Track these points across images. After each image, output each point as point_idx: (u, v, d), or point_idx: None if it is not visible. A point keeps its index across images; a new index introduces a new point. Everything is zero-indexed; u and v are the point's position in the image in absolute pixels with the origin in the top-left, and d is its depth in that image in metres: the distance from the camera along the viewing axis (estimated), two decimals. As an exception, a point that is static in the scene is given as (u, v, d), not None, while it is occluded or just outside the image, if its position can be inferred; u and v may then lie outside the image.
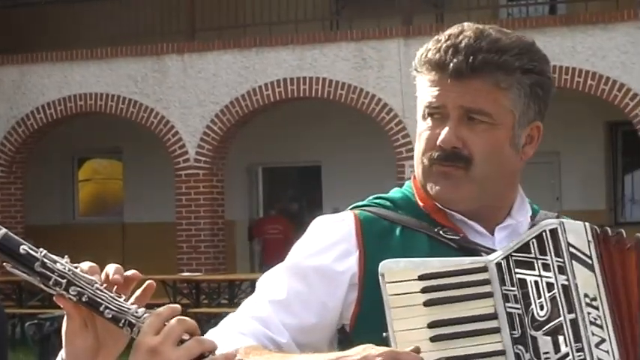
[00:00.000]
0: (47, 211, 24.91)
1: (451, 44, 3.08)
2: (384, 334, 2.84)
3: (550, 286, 2.92)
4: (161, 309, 2.28)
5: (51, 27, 23.77)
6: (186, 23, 22.98)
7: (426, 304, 2.88)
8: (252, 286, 20.72)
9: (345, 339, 3.04)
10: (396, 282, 2.88)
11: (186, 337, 2.26)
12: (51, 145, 24.49)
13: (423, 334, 2.85)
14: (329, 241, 3.07)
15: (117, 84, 23.02)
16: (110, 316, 2.26)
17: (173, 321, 2.25)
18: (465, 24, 3.16)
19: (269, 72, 21.90)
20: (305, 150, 23.62)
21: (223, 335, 2.87)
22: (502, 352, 2.88)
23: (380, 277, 2.89)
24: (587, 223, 2.99)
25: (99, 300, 2.27)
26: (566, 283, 2.92)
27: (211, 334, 2.84)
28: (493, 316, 2.91)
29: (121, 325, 2.25)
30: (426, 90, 3.11)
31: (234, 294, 21.49)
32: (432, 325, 2.87)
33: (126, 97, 22.99)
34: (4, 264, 2.27)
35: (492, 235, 3.13)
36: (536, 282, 2.93)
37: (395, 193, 3.23)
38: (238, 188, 24.00)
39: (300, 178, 25.00)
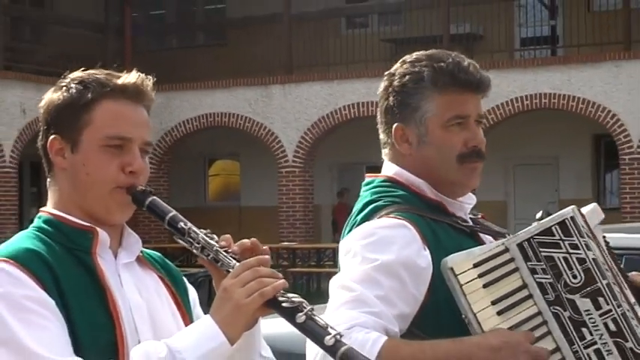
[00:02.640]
0: (186, 197, 25.00)
1: (472, 65, 2.87)
2: (463, 316, 2.65)
3: (582, 261, 2.73)
4: (249, 260, 2.29)
5: (188, 64, 23.84)
6: (286, 62, 22.96)
7: (485, 286, 2.69)
8: (333, 253, 20.99)
9: None
10: (463, 272, 2.67)
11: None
12: (188, 150, 24.62)
13: (491, 310, 2.68)
14: (404, 240, 2.72)
15: (236, 106, 23.07)
16: (224, 270, 2.30)
17: (248, 270, 2.25)
18: (435, 50, 2.94)
19: (346, 97, 21.88)
20: (372, 154, 23.49)
21: (357, 333, 2.56)
22: (539, 314, 2.70)
23: (448, 271, 2.67)
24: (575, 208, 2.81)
25: (217, 258, 2.31)
26: (594, 257, 2.74)
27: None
28: (523, 287, 2.73)
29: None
30: (449, 104, 2.84)
31: (320, 258, 21.59)
32: (494, 302, 2.69)
33: (243, 115, 23.03)
34: (174, 237, 2.39)
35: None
36: (565, 258, 2.74)
37: (393, 191, 2.88)
38: (324, 181, 23.96)
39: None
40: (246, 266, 2.26)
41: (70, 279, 2.32)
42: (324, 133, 22.51)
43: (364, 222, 2.81)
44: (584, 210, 2.85)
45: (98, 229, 2.42)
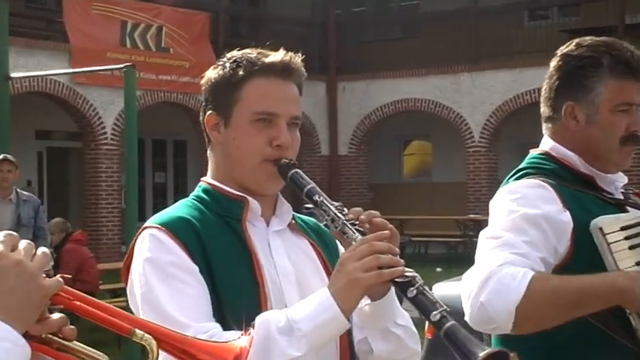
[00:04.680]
0: (383, 174, 25.16)
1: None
2: (610, 271, 2.63)
3: None
4: (368, 235, 2.17)
5: (385, 55, 23.87)
6: (473, 52, 22.79)
7: (631, 248, 2.67)
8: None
9: None
10: (611, 233, 2.65)
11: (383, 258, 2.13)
12: (385, 132, 24.67)
13: (635, 270, 2.65)
14: (544, 198, 2.71)
15: (428, 92, 23.05)
16: (350, 241, 2.19)
17: (364, 245, 2.13)
18: (608, 38, 2.90)
19: (528, 84, 21.51)
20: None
21: (508, 268, 2.54)
22: None
23: (597, 230, 2.64)
24: None
25: (344, 231, 2.21)
26: None
27: (489, 269, 2.55)
28: None
29: None
30: (620, 90, 2.81)
31: (504, 229, 21.22)
32: (638, 263, 2.67)
33: (434, 100, 23.00)
34: (305, 206, 2.32)
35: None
36: None
37: (545, 164, 2.87)
38: (507, 159, 23.61)
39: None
40: (363, 241, 2.15)
41: (218, 245, 2.27)
42: (508, 115, 22.29)
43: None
44: None
45: (250, 198, 2.36)
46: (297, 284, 2.33)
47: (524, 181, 2.79)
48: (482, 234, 2.73)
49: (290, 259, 2.36)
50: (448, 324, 2.03)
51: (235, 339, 1.70)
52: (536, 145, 3.06)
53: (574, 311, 2.57)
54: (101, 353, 1.64)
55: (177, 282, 2.20)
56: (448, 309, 2.08)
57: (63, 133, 21.62)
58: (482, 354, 1.95)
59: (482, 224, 22.41)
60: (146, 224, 2.31)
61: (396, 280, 2.11)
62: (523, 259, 2.58)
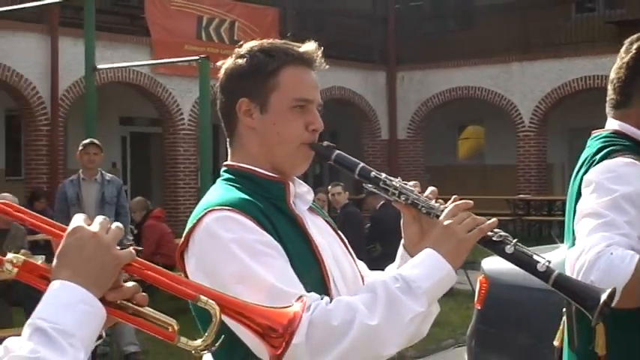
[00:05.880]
0: (439, 157, 25.05)
1: None
2: None
3: None
4: (458, 202, 2.25)
5: (441, 46, 23.73)
6: (523, 42, 22.56)
7: None
8: (563, 204, 20.44)
9: None
10: None
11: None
12: (441, 118, 24.55)
13: None
14: (638, 176, 2.72)
15: (481, 80, 22.89)
16: (425, 211, 2.27)
17: (461, 211, 2.23)
18: None
19: (575, 72, 21.34)
20: (597, 120, 22.67)
21: (616, 250, 2.55)
22: None
23: None
24: None
25: (417, 202, 2.28)
26: None
27: (598, 248, 2.56)
28: None
29: (431, 217, 2.26)
30: None
31: (550, 208, 21.12)
32: None
33: (486, 88, 22.84)
34: (364, 184, 2.31)
35: None
36: None
37: (620, 141, 2.89)
38: (556, 143, 23.36)
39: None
40: (459, 207, 2.24)
41: (281, 225, 2.22)
42: (556, 102, 22.07)
43: (603, 161, 2.82)
44: None
45: (288, 180, 2.33)
46: (334, 261, 2.31)
47: (619, 159, 2.79)
48: (582, 209, 2.73)
49: (322, 236, 2.33)
50: (555, 273, 2.10)
51: (290, 305, 1.70)
52: (585, 130, 3.07)
53: None
54: (170, 318, 1.67)
55: (270, 258, 2.11)
56: (550, 260, 2.12)
57: (145, 119, 21.87)
58: (604, 294, 2.01)
59: (531, 204, 22.22)
60: (209, 207, 2.20)
61: (493, 239, 2.18)
62: (626, 239, 2.60)
